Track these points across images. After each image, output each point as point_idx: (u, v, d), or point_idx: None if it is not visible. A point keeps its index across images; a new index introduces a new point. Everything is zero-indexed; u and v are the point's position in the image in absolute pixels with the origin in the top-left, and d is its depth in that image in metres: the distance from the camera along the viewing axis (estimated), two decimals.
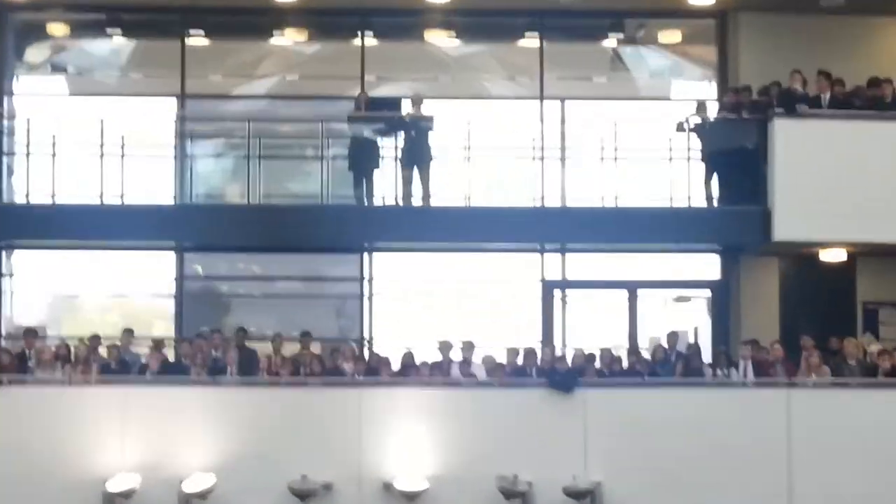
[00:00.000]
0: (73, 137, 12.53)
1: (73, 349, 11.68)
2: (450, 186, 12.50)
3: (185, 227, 12.63)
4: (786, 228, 11.74)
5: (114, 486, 10.92)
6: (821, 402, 11.30)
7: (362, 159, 12.38)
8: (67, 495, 11.03)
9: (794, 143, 11.80)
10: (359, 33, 13.79)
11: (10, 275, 13.57)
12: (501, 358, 11.79)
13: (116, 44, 14.44)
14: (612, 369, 11.83)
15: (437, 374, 11.60)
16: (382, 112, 12.79)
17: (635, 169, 12.67)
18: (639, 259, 13.65)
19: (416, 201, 12.32)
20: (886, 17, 13.40)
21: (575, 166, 12.80)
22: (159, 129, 12.97)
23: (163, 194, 12.92)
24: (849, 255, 12.63)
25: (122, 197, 12.21)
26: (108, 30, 14.03)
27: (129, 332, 11.92)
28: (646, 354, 12.42)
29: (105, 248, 13.10)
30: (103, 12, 13.66)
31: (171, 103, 13.70)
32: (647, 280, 13.74)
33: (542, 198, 12.57)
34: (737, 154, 12.22)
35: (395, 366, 11.98)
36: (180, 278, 13.54)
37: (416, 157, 12.23)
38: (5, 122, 13.14)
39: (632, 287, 13.41)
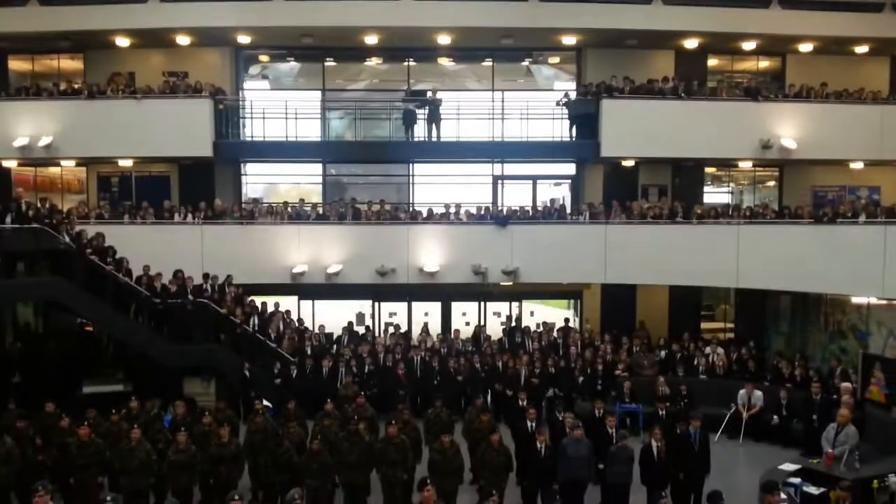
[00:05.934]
0: (270, 111, 18.67)
1: (276, 207, 18.36)
2: (449, 132, 18.72)
3: (326, 150, 19.71)
4: (607, 150, 17.96)
5: (296, 270, 16.82)
6: (627, 232, 17.37)
7: (409, 118, 18.51)
8: (274, 274, 17.02)
9: (612, 111, 17.83)
10: (406, 60, 20.17)
11: (245, 175, 20.39)
12: (473, 211, 18.31)
13: (292, 65, 20.99)
14: (525, 215, 17.98)
15: (444, 219, 17.80)
16: (418, 97, 19.01)
17: (539, 124, 19.19)
18: (539, 165, 20.74)
19: (434, 139, 18.45)
20: (657, 50, 19.87)
21: (509, 123, 19.17)
22: (312, 105, 19.62)
23: (314, 135, 19.13)
24: (636, 163, 19.46)
25: (296, 137, 18.55)
26: (288, 58, 20.68)
27: (301, 201, 18.84)
28: (541, 207, 18.85)
29: (289, 162, 20.12)
30: (284, 50, 19.97)
31: (317, 95, 20.14)
32: (543, 174, 20.76)
33: (493, 137, 18.90)
34: (585, 116, 18.23)
35: (425, 215, 18.11)
36: (324, 175, 20.56)
37: (433, 117, 18.47)
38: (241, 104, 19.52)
39: (535, 179, 20.78)
